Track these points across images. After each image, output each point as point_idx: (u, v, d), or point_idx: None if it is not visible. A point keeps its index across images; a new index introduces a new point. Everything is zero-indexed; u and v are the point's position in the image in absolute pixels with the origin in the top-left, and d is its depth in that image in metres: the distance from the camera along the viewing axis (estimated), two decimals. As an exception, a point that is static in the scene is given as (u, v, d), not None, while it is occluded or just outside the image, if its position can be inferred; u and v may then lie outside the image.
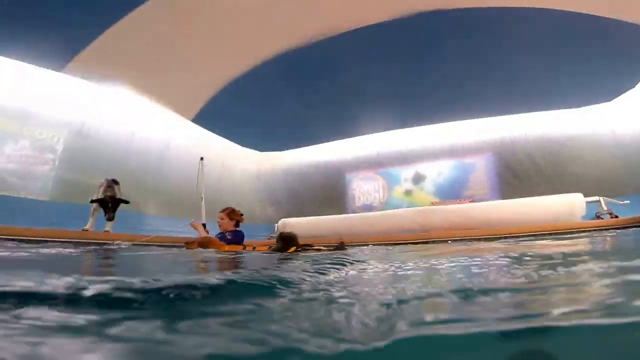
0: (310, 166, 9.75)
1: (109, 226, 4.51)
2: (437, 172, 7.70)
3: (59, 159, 6.14)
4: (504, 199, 7.04)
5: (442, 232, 4.11)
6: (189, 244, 3.20)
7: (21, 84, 5.91)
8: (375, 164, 8.85)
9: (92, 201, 4.21)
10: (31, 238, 3.83)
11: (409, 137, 8.30)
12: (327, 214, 6.99)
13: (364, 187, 8.80)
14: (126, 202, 4.33)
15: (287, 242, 2.71)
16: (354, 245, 4.81)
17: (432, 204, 6.90)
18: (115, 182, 4.34)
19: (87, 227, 4.34)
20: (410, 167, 8.05)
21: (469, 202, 6.57)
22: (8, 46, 5.59)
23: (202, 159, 5.67)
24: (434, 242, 3.93)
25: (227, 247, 3.16)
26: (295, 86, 8.37)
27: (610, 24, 5.94)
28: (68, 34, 5.78)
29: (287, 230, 8.37)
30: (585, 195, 4.38)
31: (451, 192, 7.29)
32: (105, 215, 4.21)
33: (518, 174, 7.61)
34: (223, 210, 3.75)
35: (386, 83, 7.47)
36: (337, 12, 6.51)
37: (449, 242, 3.83)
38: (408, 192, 7.78)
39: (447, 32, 6.57)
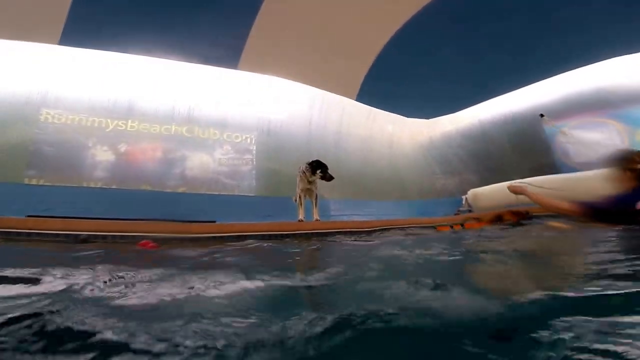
0: (491, 123, 7.95)
1: (316, 214, 4.49)
2: None
3: (255, 157, 6.79)
4: None
5: None
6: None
7: (217, 88, 6.66)
8: (595, 105, 6.30)
9: (308, 164, 4.45)
10: (262, 233, 3.90)
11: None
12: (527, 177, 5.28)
13: (581, 137, 6.44)
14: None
15: None
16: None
17: None
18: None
19: (300, 217, 4.43)
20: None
21: None
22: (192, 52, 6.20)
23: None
24: None
25: None
26: (457, 35, 6.71)
27: None
28: (226, 32, 5.95)
29: (480, 202, 6.92)
30: None
31: None
32: (319, 174, 4.44)
33: None
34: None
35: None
36: None
37: None
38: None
39: None
